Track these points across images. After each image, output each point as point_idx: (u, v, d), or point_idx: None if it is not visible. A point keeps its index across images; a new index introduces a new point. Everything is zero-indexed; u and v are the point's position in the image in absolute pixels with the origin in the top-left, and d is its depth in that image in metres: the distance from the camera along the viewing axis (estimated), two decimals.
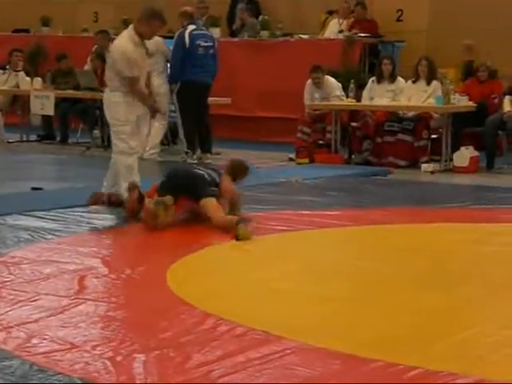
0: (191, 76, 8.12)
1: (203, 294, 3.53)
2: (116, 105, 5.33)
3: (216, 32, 9.85)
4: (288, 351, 2.81)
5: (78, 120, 9.93)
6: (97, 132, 9.58)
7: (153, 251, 4.47)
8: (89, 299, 3.41)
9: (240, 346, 2.86)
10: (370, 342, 2.94)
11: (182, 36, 8.22)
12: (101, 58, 9.48)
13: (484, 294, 3.62)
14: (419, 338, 3.00)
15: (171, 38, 8.87)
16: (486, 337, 3.01)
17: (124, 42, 5.34)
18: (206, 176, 5.04)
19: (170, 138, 9.25)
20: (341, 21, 10.21)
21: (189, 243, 4.54)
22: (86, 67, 9.95)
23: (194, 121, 8.31)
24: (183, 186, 4.93)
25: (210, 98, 8.51)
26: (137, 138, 5.40)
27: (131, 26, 5.41)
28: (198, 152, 8.34)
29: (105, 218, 5.13)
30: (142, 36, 5.34)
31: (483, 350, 2.87)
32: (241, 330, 3.03)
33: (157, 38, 8.40)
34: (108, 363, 2.71)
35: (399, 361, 2.71)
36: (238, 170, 5.31)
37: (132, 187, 4.96)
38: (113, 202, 5.12)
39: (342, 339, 2.98)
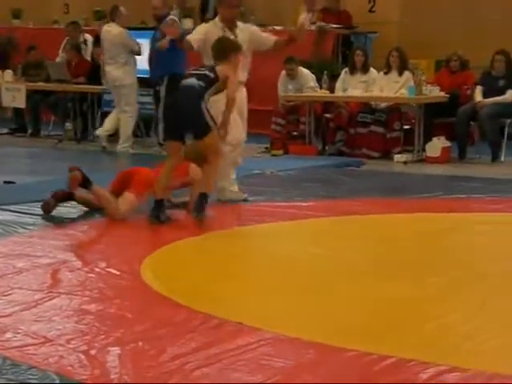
0: (179, 69, 8.11)
1: (177, 287, 3.53)
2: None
3: (188, 23, 9.80)
4: (263, 342, 2.82)
5: (50, 112, 9.84)
6: (69, 125, 9.50)
7: (127, 244, 4.45)
8: (62, 293, 3.38)
9: (215, 337, 2.87)
10: (343, 332, 2.96)
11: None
12: (76, 49, 9.40)
13: (456, 283, 3.66)
14: (392, 328, 3.02)
15: (145, 29, 8.81)
16: (458, 326, 3.04)
17: None
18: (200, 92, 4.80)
19: (143, 130, 9.20)
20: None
21: (163, 235, 4.53)
22: (58, 59, 9.85)
23: None
24: (187, 129, 4.82)
25: None
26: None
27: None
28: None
29: (77, 212, 5.09)
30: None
31: (455, 339, 2.90)
32: (215, 321, 3.03)
33: (120, 30, 8.36)
34: (82, 357, 2.70)
35: (373, 350, 2.74)
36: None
37: (72, 168, 4.87)
38: (60, 197, 5.00)
39: (316, 329, 2.99)
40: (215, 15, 11.28)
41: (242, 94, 5.43)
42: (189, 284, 3.60)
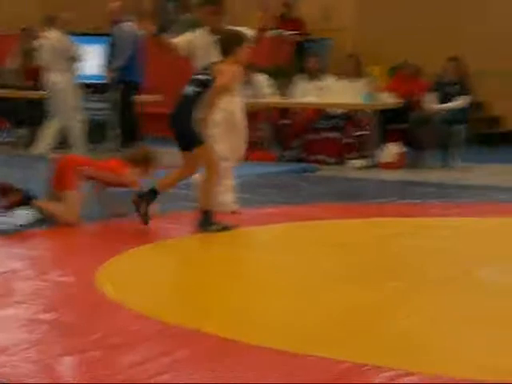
0: (136, 77, 8.06)
1: (133, 295, 3.50)
2: None
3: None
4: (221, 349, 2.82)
5: (4, 119, 9.68)
6: (22, 131, 9.35)
7: (81, 251, 4.40)
8: (15, 302, 3.33)
9: (171, 345, 2.85)
10: (301, 338, 2.97)
11: (131, 31, 8.08)
12: (28, 55, 9.27)
13: (411, 287, 3.71)
14: (350, 332, 3.05)
15: (100, 35, 8.74)
16: (415, 330, 3.08)
17: None
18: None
19: (99, 135, 9.12)
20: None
21: (118, 243, 4.49)
22: (11, 65, 9.70)
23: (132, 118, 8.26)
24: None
25: (140, 96, 8.45)
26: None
27: None
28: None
29: (28, 219, 5.01)
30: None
31: (412, 343, 2.94)
32: (172, 329, 3.02)
33: (59, 36, 8.27)
34: (36, 366, 2.65)
35: (329, 355, 2.75)
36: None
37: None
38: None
39: (273, 335, 3.00)
40: (171, 22, 11.31)
41: (234, 106, 5.18)
42: (144, 292, 3.57)
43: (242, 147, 5.36)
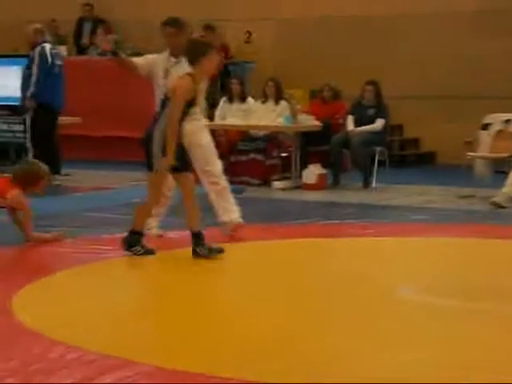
0: (50, 99, 7.92)
1: (51, 322, 3.42)
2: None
3: (63, 50, 9.66)
4: (139, 376, 2.78)
5: None
6: None
7: None
8: None
9: (89, 372, 2.80)
10: (219, 360, 2.97)
11: (45, 54, 7.98)
12: None
13: (334, 306, 3.77)
14: (266, 352, 3.06)
15: (17, 56, 8.56)
16: (335, 347, 3.13)
17: None
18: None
19: (14, 157, 8.91)
20: None
21: (37, 268, 4.38)
22: None
23: (47, 142, 8.11)
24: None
25: (58, 118, 8.31)
26: None
27: None
28: None
29: None
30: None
31: (333, 362, 2.98)
32: (91, 356, 2.97)
33: None
34: None
35: (241, 376, 2.76)
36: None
37: None
38: None
39: (195, 359, 2.99)
40: (90, 42, 11.21)
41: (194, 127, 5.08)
42: (63, 319, 3.49)
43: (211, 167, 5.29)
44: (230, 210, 5.20)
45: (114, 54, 5.05)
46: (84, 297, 3.92)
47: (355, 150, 8.09)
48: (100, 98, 10.06)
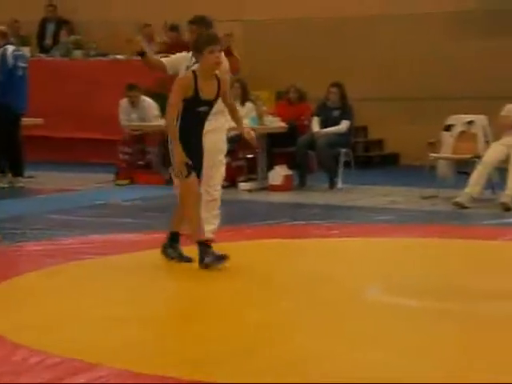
0: (10, 101, 7.83)
1: (14, 325, 3.39)
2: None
3: (26, 51, 9.54)
4: (103, 379, 2.78)
5: None
6: None
7: None
8: None
9: (52, 376, 2.79)
10: (188, 362, 2.97)
11: (4, 56, 7.89)
12: None
13: (303, 307, 3.80)
14: (236, 354, 3.08)
15: None
16: (305, 348, 3.15)
17: None
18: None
19: None
20: (145, 44, 10.33)
21: (0, 269, 4.32)
22: None
23: (10, 144, 8.01)
24: None
25: (21, 120, 8.21)
26: None
27: None
28: (9, 176, 8.01)
29: None
30: None
31: (304, 362, 3.00)
32: (54, 360, 2.95)
33: None
34: None
35: (214, 379, 2.77)
36: None
37: None
38: None
39: (160, 361, 2.99)
40: (54, 42, 11.08)
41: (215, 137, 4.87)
42: (26, 322, 3.46)
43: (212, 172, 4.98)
44: (208, 223, 5.07)
45: (142, 54, 5.03)
46: (48, 299, 3.89)
47: (321, 152, 8.15)
48: (63, 98, 9.96)
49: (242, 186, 8.04)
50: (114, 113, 8.80)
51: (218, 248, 5.18)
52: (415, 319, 3.56)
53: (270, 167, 8.15)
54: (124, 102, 8.69)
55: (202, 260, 4.44)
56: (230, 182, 8.22)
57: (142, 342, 3.22)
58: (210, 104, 4.48)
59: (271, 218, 6.33)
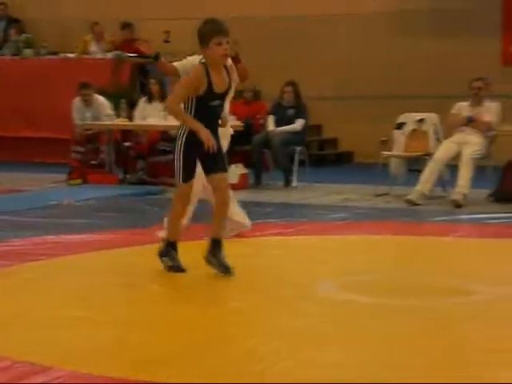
0: None
1: None
2: None
3: None
4: (56, 381, 2.74)
5: None
6: None
7: None
8: None
9: (3, 379, 2.74)
10: (138, 363, 2.94)
11: None
12: None
13: (256, 306, 3.80)
14: (188, 355, 3.06)
15: None
16: (252, 349, 3.14)
17: None
18: None
19: None
20: (94, 43, 10.23)
21: None
22: None
23: None
24: None
25: None
26: None
27: None
28: None
29: None
30: None
31: (259, 362, 3.01)
32: (6, 363, 2.90)
33: None
34: None
35: (163, 379, 2.75)
36: None
37: None
38: None
39: (110, 363, 2.96)
40: (4, 40, 10.84)
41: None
42: None
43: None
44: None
45: (156, 58, 4.94)
46: (0, 301, 3.81)
47: (276, 150, 8.18)
48: (14, 97, 9.80)
49: None
50: (66, 111, 8.69)
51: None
52: (369, 316, 3.60)
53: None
54: (77, 101, 8.59)
55: (160, 255, 4.37)
56: None
57: (94, 343, 3.19)
58: (222, 97, 4.20)
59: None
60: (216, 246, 4.27)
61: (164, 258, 4.38)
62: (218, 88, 4.16)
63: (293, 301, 3.87)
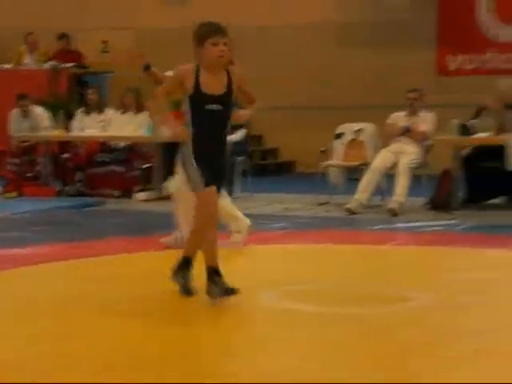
0: None
1: None
2: None
3: None
4: None
5: None
6: None
7: None
8: None
9: None
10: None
11: None
12: None
13: (193, 315, 3.79)
14: (134, 363, 3.03)
15: None
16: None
17: None
18: None
19: None
20: (28, 53, 10.09)
21: None
22: None
23: None
24: None
25: None
26: None
27: None
28: None
29: None
30: None
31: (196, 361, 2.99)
32: None
33: None
34: None
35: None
36: None
37: None
38: None
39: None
40: None
41: None
42: None
43: None
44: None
45: (147, 68, 4.82)
46: None
47: None
48: None
49: (138, 196, 7.93)
50: (2, 123, 8.50)
51: (115, 260, 5.09)
52: (309, 324, 3.62)
53: (166, 176, 8.09)
54: (15, 112, 8.42)
55: (172, 270, 4.05)
56: (125, 192, 8.11)
57: (33, 356, 3.11)
58: (221, 101, 3.82)
59: (168, 227, 6.27)
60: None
61: (175, 276, 4.02)
62: (209, 89, 3.82)
63: (233, 310, 3.86)
